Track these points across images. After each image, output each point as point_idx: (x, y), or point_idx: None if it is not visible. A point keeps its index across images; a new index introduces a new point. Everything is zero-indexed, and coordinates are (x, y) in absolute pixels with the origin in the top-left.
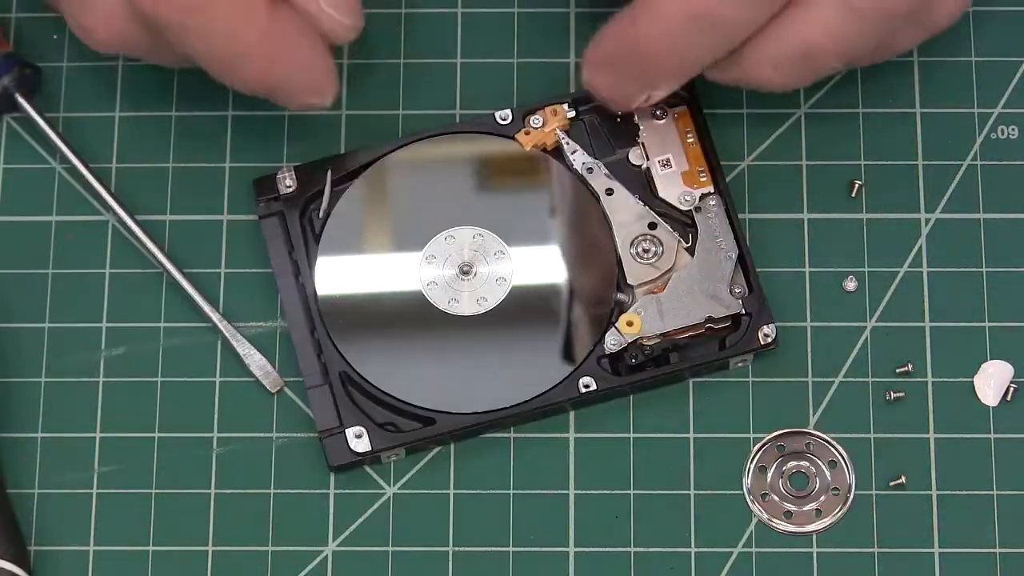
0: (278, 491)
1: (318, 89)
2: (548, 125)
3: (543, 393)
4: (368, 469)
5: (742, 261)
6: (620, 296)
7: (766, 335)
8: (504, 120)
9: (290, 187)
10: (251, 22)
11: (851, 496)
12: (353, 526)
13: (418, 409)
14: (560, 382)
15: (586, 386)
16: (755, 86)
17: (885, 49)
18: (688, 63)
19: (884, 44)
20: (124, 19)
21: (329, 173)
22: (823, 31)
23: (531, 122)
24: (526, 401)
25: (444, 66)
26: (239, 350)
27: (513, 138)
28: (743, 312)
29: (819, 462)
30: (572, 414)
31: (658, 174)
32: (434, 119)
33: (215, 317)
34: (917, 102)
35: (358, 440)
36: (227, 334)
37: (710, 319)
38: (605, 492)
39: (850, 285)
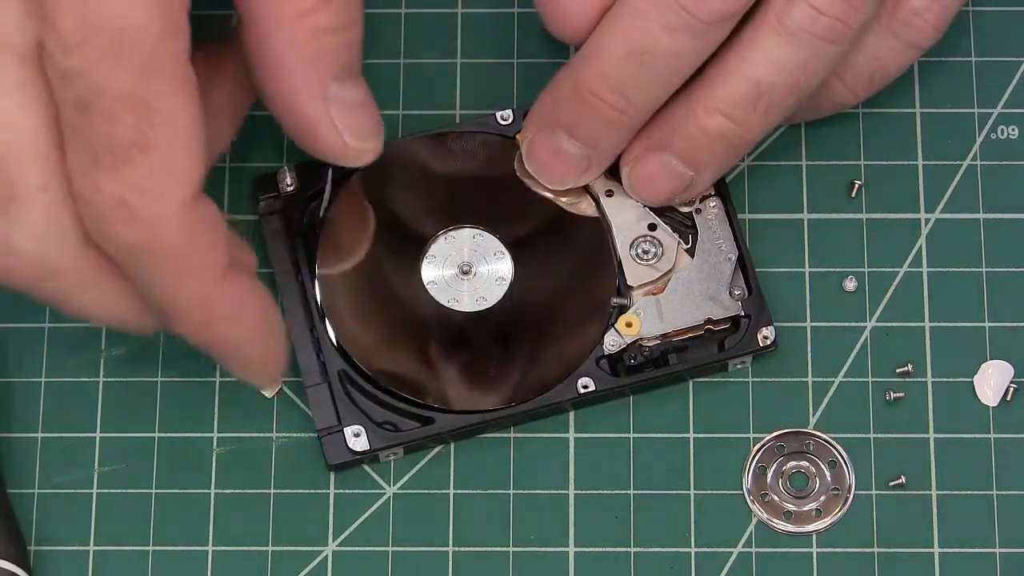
0: (278, 491)
1: (265, 370)
2: None
3: (542, 393)
4: (368, 469)
5: (742, 263)
6: (619, 297)
7: (765, 337)
8: (505, 120)
9: (291, 186)
10: (198, 279)
11: (851, 496)
12: (353, 526)
13: (417, 408)
14: (559, 383)
15: (585, 387)
16: (712, 146)
17: (872, 78)
18: (634, 105)
19: (869, 73)
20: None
21: (330, 172)
22: (768, 66)
23: None
24: (524, 401)
25: (444, 66)
26: None
27: (514, 138)
28: (742, 314)
29: (819, 462)
30: (572, 414)
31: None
32: (434, 119)
33: None
34: (917, 102)
35: (356, 439)
36: None
37: (709, 321)
38: (605, 492)
39: (850, 285)
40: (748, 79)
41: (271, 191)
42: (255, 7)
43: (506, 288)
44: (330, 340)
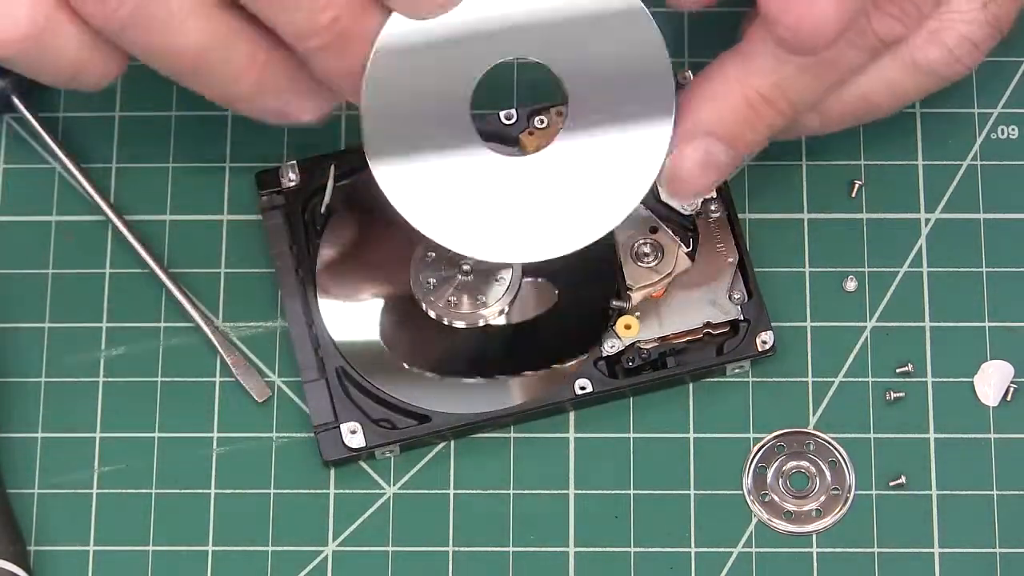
0: (278, 491)
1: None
2: (553, 126)
3: (538, 394)
4: (368, 469)
5: (742, 267)
6: (618, 300)
7: (763, 342)
8: (509, 120)
9: (293, 181)
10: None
11: (851, 496)
12: (353, 526)
13: (413, 407)
14: (557, 383)
15: (582, 388)
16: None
17: (865, 108)
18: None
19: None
20: None
21: (332, 168)
22: (767, 82)
23: (536, 122)
24: (521, 402)
25: None
26: (226, 357)
27: (517, 138)
28: (741, 318)
29: (819, 462)
30: (572, 414)
31: (660, 178)
32: None
33: (201, 322)
34: (917, 102)
35: (353, 436)
36: (214, 340)
37: (708, 324)
38: (605, 492)
39: (850, 285)
40: (743, 94)
41: (273, 186)
42: None
43: (505, 288)
44: (328, 337)
